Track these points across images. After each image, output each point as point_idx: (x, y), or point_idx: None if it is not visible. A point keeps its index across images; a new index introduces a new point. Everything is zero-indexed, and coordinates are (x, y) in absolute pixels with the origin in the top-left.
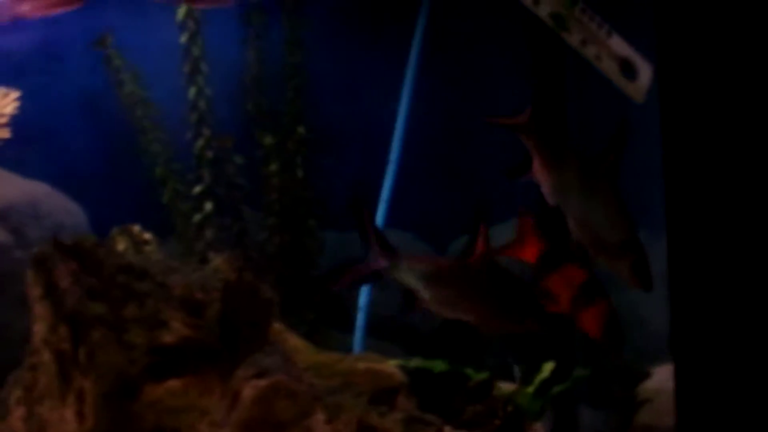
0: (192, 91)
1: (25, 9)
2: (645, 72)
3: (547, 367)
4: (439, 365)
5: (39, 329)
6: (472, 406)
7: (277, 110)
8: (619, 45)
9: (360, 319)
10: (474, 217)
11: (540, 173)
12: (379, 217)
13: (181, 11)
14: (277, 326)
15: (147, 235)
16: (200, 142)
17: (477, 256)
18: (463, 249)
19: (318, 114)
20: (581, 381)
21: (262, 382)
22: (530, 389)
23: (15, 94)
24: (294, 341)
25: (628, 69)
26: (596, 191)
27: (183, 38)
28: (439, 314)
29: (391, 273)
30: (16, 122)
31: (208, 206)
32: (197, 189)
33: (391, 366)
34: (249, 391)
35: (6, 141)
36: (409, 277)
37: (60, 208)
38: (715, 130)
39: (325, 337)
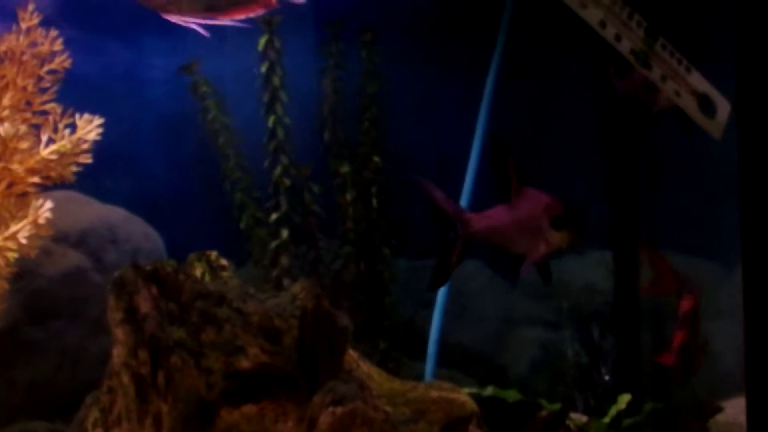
0: (271, 120)
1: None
2: (723, 108)
3: (624, 399)
4: (512, 395)
5: (119, 353)
6: None
7: (353, 139)
8: (698, 81)
9: (432, 346)
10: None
11: None
12: None
13: (262, 41)
14: (352, 353)
15: (224, 261)
16: (278, 170)
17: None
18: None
19: (394, 143)
20: (654, 414)
21: (339, 409)
22: (606, 420)
23: (99, 121)
24: (367, 368)
25: (706, 105)
26: None
27: (263, 68)
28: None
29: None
30: (97, 148)
31: (284, 233)
32: (274, 216)
33: (463, 395)
34: (326, 417)
35: (87, 166)
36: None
37: (137, 232)
38: None
39: (397, 365)
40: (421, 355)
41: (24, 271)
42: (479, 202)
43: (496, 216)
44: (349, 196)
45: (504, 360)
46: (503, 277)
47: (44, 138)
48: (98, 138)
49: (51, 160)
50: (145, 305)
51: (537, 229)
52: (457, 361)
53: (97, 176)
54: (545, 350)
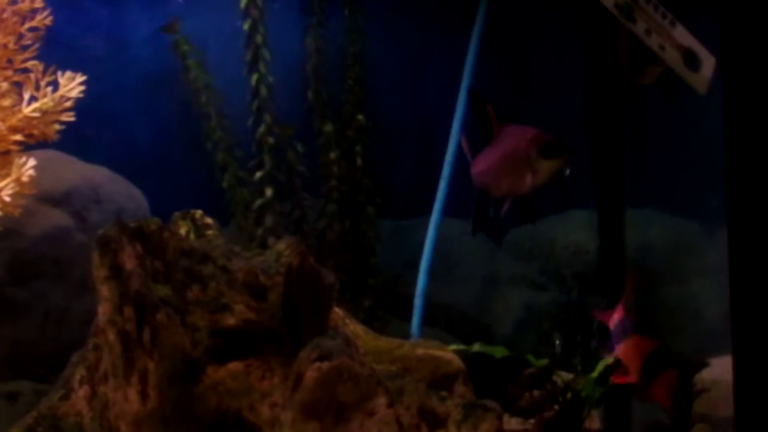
0: (254, 78)
1: None
2: (708, 63)
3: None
4: (499, 351)
5: (104, 310)
6: (531, 392)
7: (337, 98)
8: (683, 35)
9: (417, 305)
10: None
11: None
12: (437, 207)
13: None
14: (338, 311)
15: (208, 220)
16: (261, 129)
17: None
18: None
19: (377, 103)
20: None
21: (325, 365)
22: (593, 375)
23: (81, 79)
24: (353, 327)
25: (691, 60)
26: None
27: (245, 26)
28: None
29: None
30: (80, 106)
31: (269, 192)
32: (258, 175)
33: (449, 352)
34: (312, 373)
35: (69, 125)
36: None
37: (121, 192)
38: None
39: (382, 323)
40: (407, 315)
41: (7, 231)
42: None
43: (484, 157)
44: (333, 155)
45: (489, 320)
46: (488, 237)
47: (26, 96)
48: (80, 96)
49: (33, 118)
50: (129, 262)
51: (525, 159)
52: (442, 321)
53: (81, 135)
54: (530, 310)
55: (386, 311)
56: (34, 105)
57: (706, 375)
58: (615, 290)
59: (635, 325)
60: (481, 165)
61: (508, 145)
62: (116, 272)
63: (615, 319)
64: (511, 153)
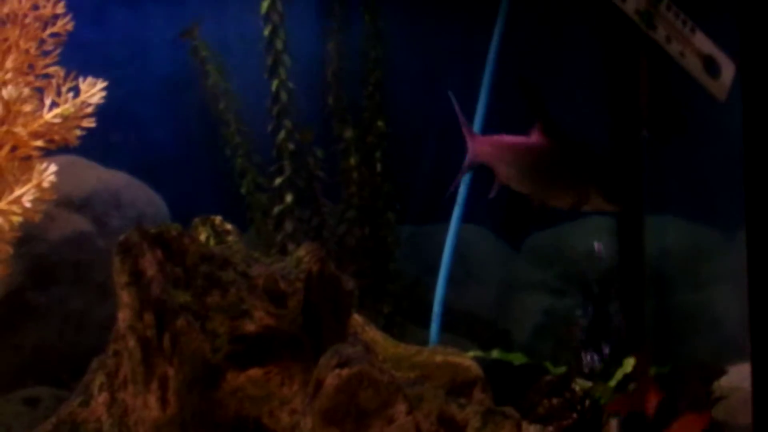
0: (274, 84)
1: None
2: (728, 70)
3: (629, 363)
4: (518, 358)
5: (124, 316)
6: (549, 399)
7: (356, 104)
8: (702, 42)
9: (436, 311)
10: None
11: None
12: (457, 213)
13: (264, 4)
14: (357, 318)
15: (228, 226)
16: (281, 135)
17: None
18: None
19: (397, 107)
20: (658, 378)
21: (345, 371)
22: (611, 383)
23: (102, 84)
24: (372, 333)
25: (711, 66)
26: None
27: (266, 31)
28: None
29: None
30: (101, 112)
31: (289, 198)
32: (278, 181)
33: (468, 359)
34: (332, 379)
35: (90, 130)
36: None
37: (141, 198)
38: None
39: (401, 330)
40: (425, 321)
41: (27, 236)
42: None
43: (513, 141)
44: (353, 161)
45: (508, 326)
46: (507, 243)
47: (47, 101)
48: (102, 102)
49: (54, 124)
50: (150, 268)
51: (580, 191)
52: (461, 327)
53: (102, 141)
54: (549, 316)
55: (405, 317)
56: (56, 111)
57: (724, 382)
58: (633, 294)
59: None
60: (504, 148)
61: (556, 156)
62: (137, 278)
63: (653, 402)
64: (556, 167)
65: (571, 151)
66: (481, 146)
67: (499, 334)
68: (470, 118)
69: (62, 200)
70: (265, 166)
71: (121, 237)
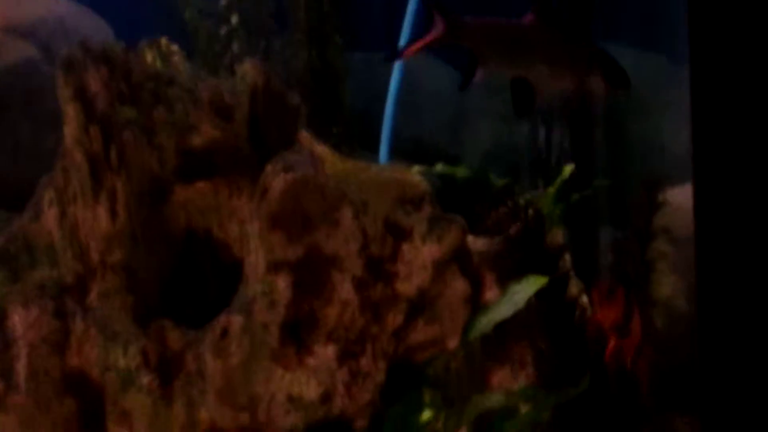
0: None
1: None
2: None
3: (567, 170)
4: (461, 171)
5: (70, 130)
6: (495, 212)
7: None
8: None
9: (385, 134)
10: None
11: None
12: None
13: None
14: (305, 134)
15: (174, 48)
16: None
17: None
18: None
19: None
20: (601, 190)
21: (290, 175)
22: (551, 189)
23: None
24: (320, 150)
25: None
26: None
27: None
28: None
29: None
30: None
31: (234, 19)
32: (223, 2)
33: (416, 175)
34: (278, 183)
35: None
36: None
37: (88, 25)
38: (749, 126)
39: (351, 152)
40: (374, 148)
41: None
42: None
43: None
44: None
45: (458, 152)
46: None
47: None
48: None
49: None
50: (94, 84)
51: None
52: (410, 153)
53: None
54: (500, 141)
55: (354, 143)
56: None
57: (671, 200)
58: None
59: None
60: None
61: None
62: (81, 93)
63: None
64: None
65: (570, 34)
66: (461, 27)
67: (449, 159)
68: None
69: (7, 27)
70: None
71: (64, 52)
